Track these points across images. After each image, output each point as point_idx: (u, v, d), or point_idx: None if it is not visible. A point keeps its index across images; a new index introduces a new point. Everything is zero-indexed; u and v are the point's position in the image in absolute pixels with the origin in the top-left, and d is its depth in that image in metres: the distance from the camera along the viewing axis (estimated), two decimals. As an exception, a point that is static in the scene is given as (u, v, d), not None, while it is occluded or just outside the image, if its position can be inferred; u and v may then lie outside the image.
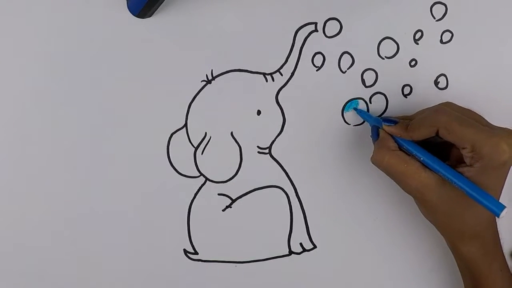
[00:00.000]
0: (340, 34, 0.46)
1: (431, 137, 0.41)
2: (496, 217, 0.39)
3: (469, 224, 0.42)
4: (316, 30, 0.45)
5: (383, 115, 0.47)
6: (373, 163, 0.43)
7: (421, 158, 0.41)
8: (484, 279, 0.43)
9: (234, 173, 0.47)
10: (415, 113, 0.44)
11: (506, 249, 0.47)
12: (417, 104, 0.46)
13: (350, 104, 0.47)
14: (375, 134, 0.44)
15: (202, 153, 0.47)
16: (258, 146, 0.47)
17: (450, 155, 0.43)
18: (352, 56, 0.46)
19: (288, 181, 0.47)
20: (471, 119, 0.40)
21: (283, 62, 0.46)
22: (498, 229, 0.44)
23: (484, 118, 0.42)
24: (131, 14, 0.44)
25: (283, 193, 0.48)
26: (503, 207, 0.37)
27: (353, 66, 0.46)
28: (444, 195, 0.40)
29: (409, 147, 0.41)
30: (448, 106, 0.42)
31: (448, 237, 0.44)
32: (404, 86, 0.47)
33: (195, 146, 0.46)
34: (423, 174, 0.40)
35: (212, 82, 0.46)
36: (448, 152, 0.43)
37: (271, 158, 0.47)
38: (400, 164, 0.41)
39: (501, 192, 0.41)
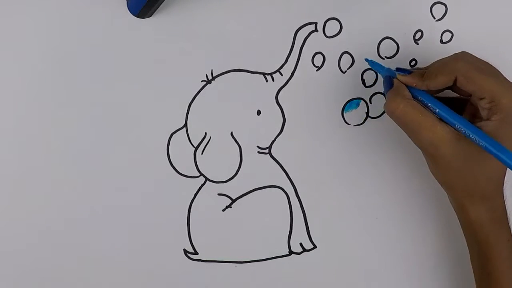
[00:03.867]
0: (340, 34, 0.46)
1: (444, 91, 0.40)
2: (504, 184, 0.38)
3: (481, 183, 0.40)
4: (316, 30, 0.45)
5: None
6: (386, 112, 0.41)
7: (437, 110, 0.39)
8: (490, 248, 0.42)
9: (234, 173, 0.47)
10: (430, 64, 0.42)
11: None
12: (417, 104, 0.46)
13: (350, 104, 0.47)
14: (388, 84, 0.41)
15: (202, 153, 0.47)
16: (258, 146, 0.47)
17: (464, 112, 0.41)
18: (352, 56, 0.46)
19: (288, 181, 0.47)
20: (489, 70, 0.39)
21: (283, 62, 0.46)
22: None
23: (501, 74, 0.40)
24: (131, 14, 0.44)
25: (283, 193, 0.48)
26: None
27: (353, 66, 0.46)
28: (459, 151, 0.39)
29: (424, 98, 0.39)
30: (466, 55, 0.40)
31: (457, 197, 0.42)
32: (404, 86, 0.47)
33: (195, 146, 0.46)
34: (439, 127, 0.38)
35: (212, 82, 0.46)
36: (462, 109, 0.41)
37: (271, 158, 0.47)
38: (416, 113, 0.39)
39: None
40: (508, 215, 0.43)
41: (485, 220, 0.41)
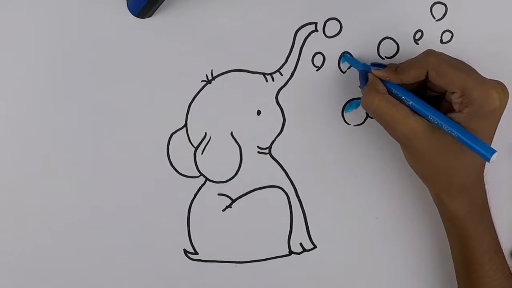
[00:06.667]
0: (340, 34, 0.46)
1: (420, 89, 0.41)
2: (484, 172, 0.39)
3: (457, 175, 0.41)
4: (316, 30, 0.45)
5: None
6: (362, 106, 0.42)
7: (410, 103, 0.40)
8: (470, 240, 0.42)
9: (234, 173, 0.47)
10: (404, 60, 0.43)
11: (506, 249, 0.47)
12: (417, 104, 0.46)
13: (350, 104, 0.47)
14: (364, 79, 0.43)
15: (202, 153, 0.47)
16: (258, 146, 0.47)
17: (440, 107, 0.42)
18: (352, 56, 0.46)
19: (288, 181, 0.47)
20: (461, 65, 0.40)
21: (283, 62, 0.46)
22: (496, 228, 0.44)
23: (474, 69, 0.41)
24: (131, 14, 0.44)
25: (283, 193, 0.48)
26: (493, 151, 0.37)
27: (353, 66, 0.46)
28: (433, 142, 0.39)
29: (398, 91, 0.41)
30: (438, 52, 0.41)
31: (435, 189, 0.43)
32: (404, 86, 0.47)
33: (195, 146, 0.46)
34: (412, 119, 0.39)
35: (212, 82, 0.46)
36: (438, 105, 0.42)
37: (271, 158, 0.47)
38: (389, 107, 0.40)
39: (491, 141, 0.40)
40: (490, 207, 0.43)
41: (464, 213, 0.42)
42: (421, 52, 0.42)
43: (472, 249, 0.42)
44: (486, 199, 0.43)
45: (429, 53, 0.41)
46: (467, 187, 0.42)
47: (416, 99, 0.40)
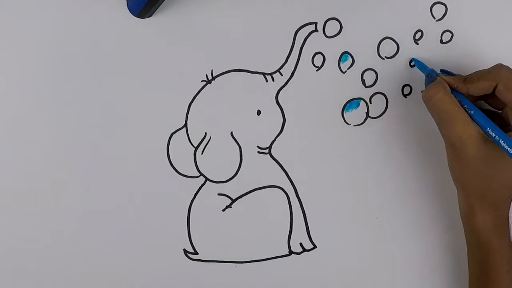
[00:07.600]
0: (340, 34, 0.46)
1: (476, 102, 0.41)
2: None
3: (495, 188, 0.41)
4: (316, 30, 0.45)
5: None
6: (423, 98, 0.42)
7: (472, 112, 0.40)
8: (493, 252, 0.42)
9: (234, 173, 0.47)
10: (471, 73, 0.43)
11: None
12: (417, 104, 0.46)
13: (350, 104, 0.47)
14: (430, 81, 0.43)
15: (202, 153, 0.47)
16: (258, 146, 0.47)
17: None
18: (352, 56, 0.46)
19: (288, 181, 0.47)
20: None
21: (283, 62, 0.46)
22: None
23: None
24: (131, 14, 0.44)
25: (283, 193, 0.48)
26: None
27: (353, 66, 0.46)
28: (483, 152, 0.40)
29: (462, 100, 0.41)
30: (509, 67, 0.41)
31: (469, 197, 0.43)
32: (404, 86, 0.47)
33: (195, 146, 0.46)
34: (471, 125, 0.40)
35: (212, 82, 0.46)
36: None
37: (271, 158, 0.47)
38: (452, 105, 0.40)
39: None
40: (510, 223, 0.43)
41: (490, 225, 0.42)
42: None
43: (494, 260, 0.43)
44: (508, 215, 0.43)
45: (501, 66, 0.41)
46: (499, 201, 0.42)
47: (478, 111, 0.40)
